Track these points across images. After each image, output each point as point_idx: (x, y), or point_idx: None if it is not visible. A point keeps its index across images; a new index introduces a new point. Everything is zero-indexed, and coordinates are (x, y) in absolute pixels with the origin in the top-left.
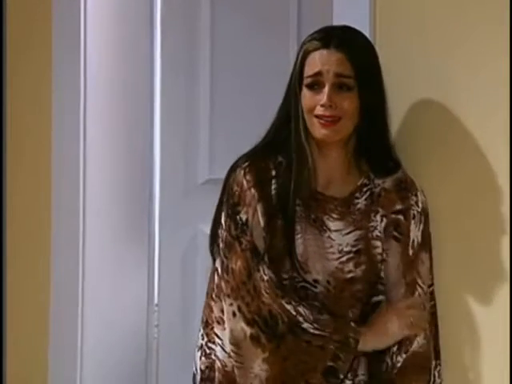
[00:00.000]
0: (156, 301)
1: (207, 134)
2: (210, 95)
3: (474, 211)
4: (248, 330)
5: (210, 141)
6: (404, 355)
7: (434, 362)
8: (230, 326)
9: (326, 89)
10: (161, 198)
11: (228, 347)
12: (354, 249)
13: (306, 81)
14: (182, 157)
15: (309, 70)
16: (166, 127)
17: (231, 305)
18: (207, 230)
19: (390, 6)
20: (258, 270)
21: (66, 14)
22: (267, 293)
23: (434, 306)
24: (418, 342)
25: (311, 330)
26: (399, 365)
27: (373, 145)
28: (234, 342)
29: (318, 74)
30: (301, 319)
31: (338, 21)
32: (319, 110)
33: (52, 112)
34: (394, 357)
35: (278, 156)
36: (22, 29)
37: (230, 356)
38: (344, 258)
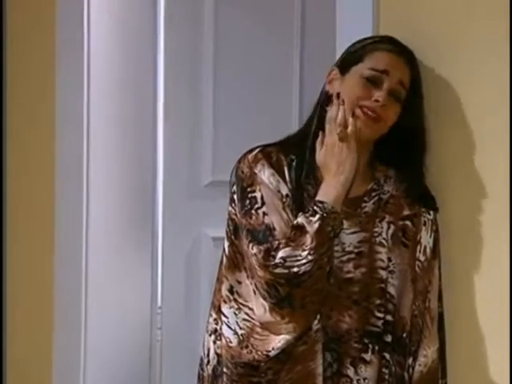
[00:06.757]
0: (159, 303)
1: (211, 136)
2: (213, 97)
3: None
4: (266, 305)
5: (213, 143)
6: (419, 367)
7: (440, 381)
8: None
9: (385, 87)
10: (164, 201)
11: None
12: (356, 250)
13: (369, 72)
14: (186, 159)
15: (377, 64)
16: (170, 129)
17: (251, 283)
18: (211, 232)
19: (394, 9)
20: (248, 247)
21: (70, 20)
22: (258, 267)
23: (440, 319)
24: (433, 357)
25: (306, 268)
26: (416, 378)
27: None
28: (259, 319)
29: (385, 72)
30: (294, 270)
31: (341, 21)
32: (370, 103)
33: (56, 116)
34: (411, 370)
35: (291, 154)
36: (25, 33)
37: (236, 333)
38: (345, 258)
